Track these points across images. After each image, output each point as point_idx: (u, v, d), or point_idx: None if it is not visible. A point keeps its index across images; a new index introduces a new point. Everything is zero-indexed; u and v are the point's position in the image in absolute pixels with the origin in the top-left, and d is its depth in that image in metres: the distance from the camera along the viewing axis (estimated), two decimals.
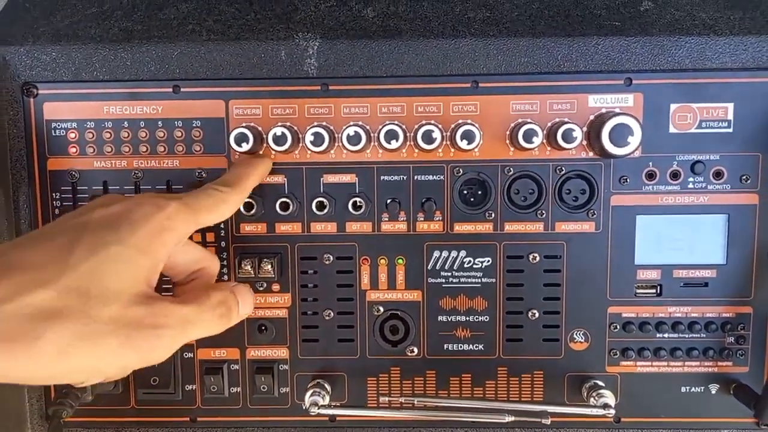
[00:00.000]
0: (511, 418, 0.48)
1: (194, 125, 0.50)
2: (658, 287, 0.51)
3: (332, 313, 0.51)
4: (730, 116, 0.49)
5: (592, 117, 0.49)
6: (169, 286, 0.50)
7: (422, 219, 0.50)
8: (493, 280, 0.51)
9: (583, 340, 0.52)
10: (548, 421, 0.48)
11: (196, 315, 0.38)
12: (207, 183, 0.44)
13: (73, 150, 0.50)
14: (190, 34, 0.50)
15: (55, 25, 0.51)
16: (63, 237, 0.35)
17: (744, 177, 0.50)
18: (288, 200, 0.50)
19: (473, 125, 0.47)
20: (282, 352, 0.52)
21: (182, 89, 0.50)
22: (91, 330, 0.33)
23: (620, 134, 0.46)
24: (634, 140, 0.46)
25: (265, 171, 0.49)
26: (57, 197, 0.51)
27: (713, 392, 0.52)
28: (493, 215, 0.50)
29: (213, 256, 0.45)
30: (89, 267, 0.34)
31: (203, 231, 0.51)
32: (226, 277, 0.51)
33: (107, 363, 0.35)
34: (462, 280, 0.51)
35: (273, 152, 0.49)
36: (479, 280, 0.51)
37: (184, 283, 0.44)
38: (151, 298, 0.36)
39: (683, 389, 0.52)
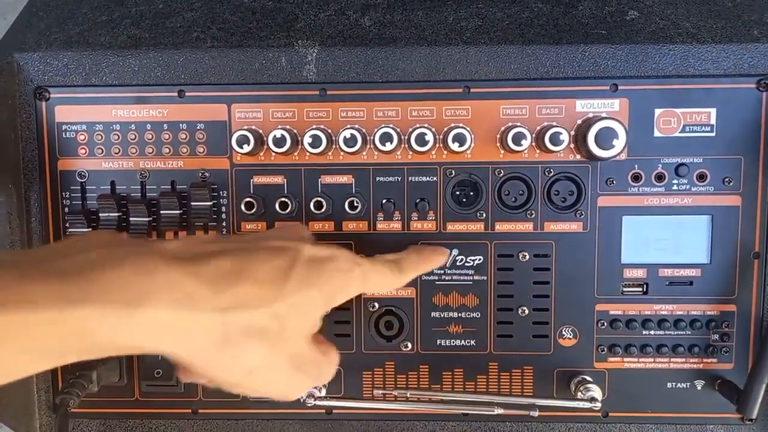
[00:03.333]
0: (500, 411, 0.50)
1: (198, 128, 0.52)
2: (645, 286, 0.53)
3: (329, 309, 0.53)
4: (713, 121, 0.51)
5: (579, 121, 0.51)
6: None
7: (416, 218, 0.52)
8: (485, 278, 0.53)
9: (571, 337, 0.53)
10: (536, 414, 0.50)
11: (327, 368, 0.42)
12: (389, 255, 0.46)
13: (83, 151, 0.53)
14: (195, 41, 0.52)
15: (66, 33, 0.53)
16: (281, 260, 0.38)
17: (727, 179, 0.51)
18: (287, 200, 0.52)
19: (465, 128, 0.49)
20: None
21: (187, 94, 0.52)
22: (277, 358, 0.37)
23: (605, 137, 0.48)
24: (619, 143, 0.48)
25: (440, 264, 0.51)
26: (67, 196, 0.53)
27: (699, 388, 0.53)
28: (484, 215, 0.52)
29: None
30: (294, 301, 0.37)
31: (205, 228, 0.53)
32: None
33: (274, 389, 0.39)
34: (454, 277, 0.53)
35: (273, 153, 0.51)
36: (471, 278, 0.53)
37: None
38: (313, 343, 0.40)
39: (669, 385, 0.53)
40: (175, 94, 0.52)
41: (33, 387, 0.54)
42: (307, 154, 0.51)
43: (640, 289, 0.53)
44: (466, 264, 0.53)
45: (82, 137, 0.53)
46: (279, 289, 0.36)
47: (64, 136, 0.53)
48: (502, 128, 0.51)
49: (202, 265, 0.35)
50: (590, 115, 0.51)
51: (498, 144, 0.52)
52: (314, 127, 0.50)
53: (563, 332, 0.53)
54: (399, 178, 0.52)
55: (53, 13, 0.55)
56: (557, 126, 0.49)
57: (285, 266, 0.37)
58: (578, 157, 0.51)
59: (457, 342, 0.54)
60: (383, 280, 0.44)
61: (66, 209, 0.53)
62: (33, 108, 0.52)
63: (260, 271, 0.36)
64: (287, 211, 0.52)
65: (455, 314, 0.53)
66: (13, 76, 0.52)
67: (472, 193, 0.53)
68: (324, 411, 0.54)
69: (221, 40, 0.52)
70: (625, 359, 0.53)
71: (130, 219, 0.52)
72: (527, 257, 0.52)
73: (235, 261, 0.36)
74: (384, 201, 0.52)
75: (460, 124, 0.50)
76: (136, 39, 0.53)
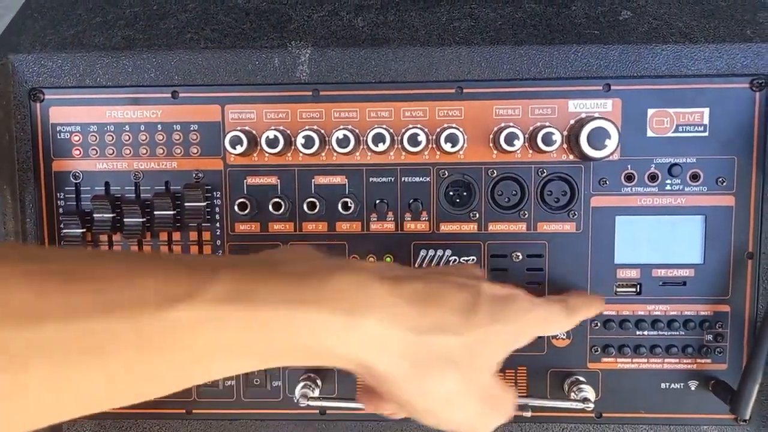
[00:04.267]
0: None
1: (192, 129, 0.52)
2: (638, 286, 0.53)
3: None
4: (706, 121, 0.51)
5: (572, 121, 0.51)
6: None
7: (409, 219, 0.53)
8: None
9: (564, 337, 0.53)
10: (529, 414, 0.50)
11: (509, 406, 0.41)
12: (557, 297, 0.44)
13: (77, 152, 0.53)
14: (188, 42, 0.52)
15: (61, 34, 0.54)
16: (467, 293, 0.38)
17: (720, 179, 0.51)
18: (280, 201, 0.52)
19: (458, 129, 0.49)
20: None
21: (181, 95, 0.52)
22: (470, 388, 0.37)
23: (598, 137, 0.48)
24: (612, 143, 0.48)
25: (599, 312, 0.49)
26: (61, 197, 0.53)
27: (692, 389, 0.53)
28: (477, 215, 0.52)
29: None
30: (483, 332, 0.37)
31: (199, 229, 0.53)
32: None
33: (467, 421, 0.38)
34: None
35: (266, 154, 0.51)
36: None
37: None
38: (497, 377, 0.39)
39: (663, 386, 0.53)
40: (169, 95, 0.52)
41: None
42: (301, 154, 0.51)
43: (634, 290, 0.53)
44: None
45: (77, 138, 0.53)
46: (469, 320, 0.36)
47: (58, 137, 0.53)
48: (495, 128, 0.51)
49: (403, 287, 0.35)
50: (583, 115, 0.51)
51: (491, 144, 0.52)
52: (307, 127, 0.51)
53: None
54: (392, 179, 0.52)
55: (48, 14, 0.56)
56: (550, 126, 0.49)
57: (471, 299, 0.37)
58: (571, 157, 0.51)
59: None
60: (557, 320, 0.43)
61: (60, 210, 0.53)
62: (27, 109, 0.53)
63: (452, 300, 0.36)
64: (281, 211, 0.52)
65: None
66: (8, 77, 0.52)
67: (465, 194, 0.53)
68: (317, 411, 0.55)
69: (215, 41, 0.52)
70: (619, 360, 0.53)
71: (124, 220, 0.52)
72: (520, 257, 0.53)
73: (427, 287, 0.36)
74: (377, 201, 0.52)
75: (453, 125, 0.50)
76: (130, 40, 0.53)
